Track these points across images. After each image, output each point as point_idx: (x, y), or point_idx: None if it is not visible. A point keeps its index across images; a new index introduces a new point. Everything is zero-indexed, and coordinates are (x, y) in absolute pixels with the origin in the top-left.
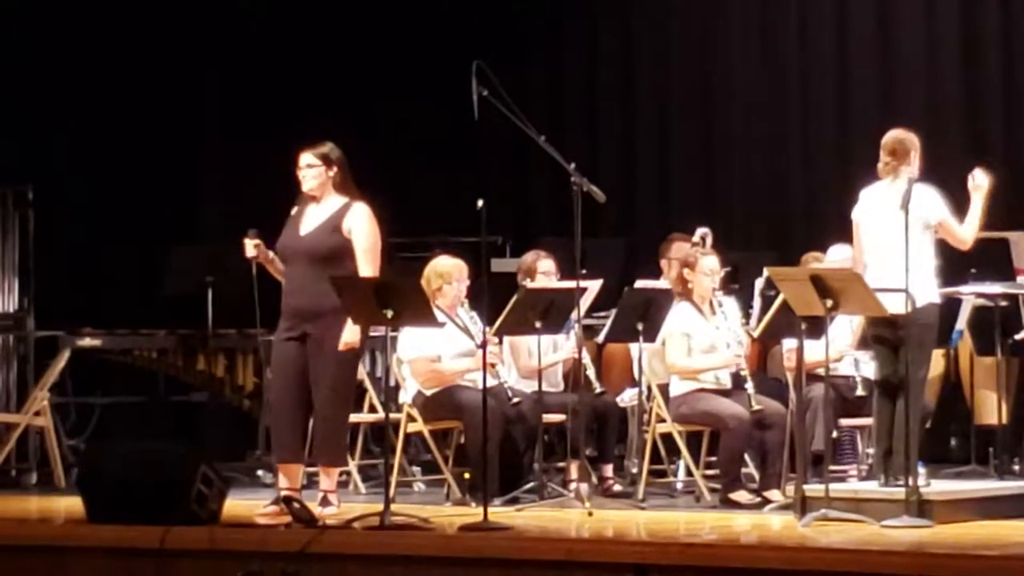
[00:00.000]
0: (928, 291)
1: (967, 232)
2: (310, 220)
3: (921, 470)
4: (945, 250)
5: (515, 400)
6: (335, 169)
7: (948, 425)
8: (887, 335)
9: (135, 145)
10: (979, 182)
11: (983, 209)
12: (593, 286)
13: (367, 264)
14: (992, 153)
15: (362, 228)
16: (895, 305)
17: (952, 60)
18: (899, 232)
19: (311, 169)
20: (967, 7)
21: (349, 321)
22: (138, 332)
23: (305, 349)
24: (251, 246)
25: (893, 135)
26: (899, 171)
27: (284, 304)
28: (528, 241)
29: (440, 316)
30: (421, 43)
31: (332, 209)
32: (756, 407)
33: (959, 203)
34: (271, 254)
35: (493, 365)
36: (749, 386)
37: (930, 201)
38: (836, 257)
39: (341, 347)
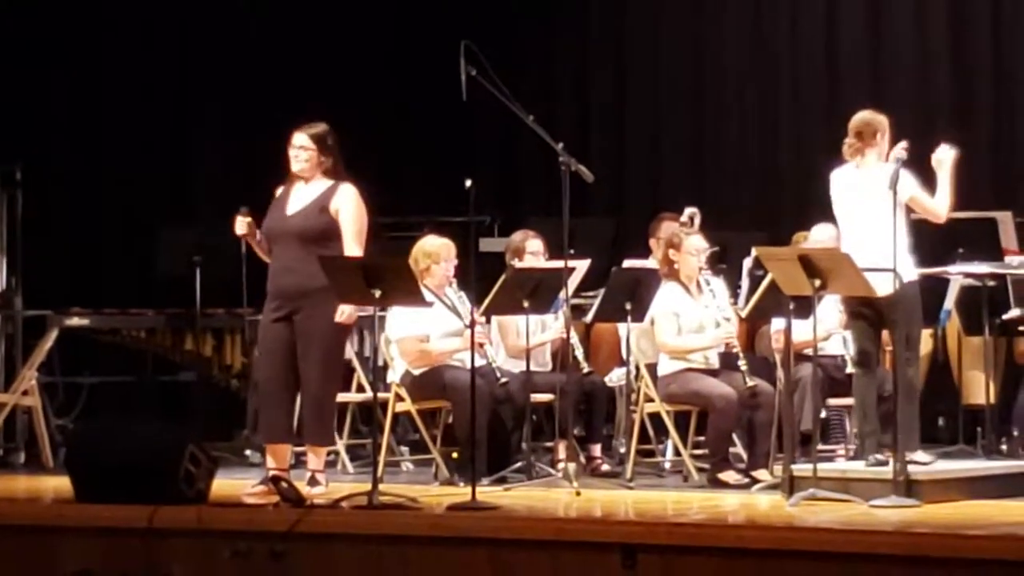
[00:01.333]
0: (905, 270)
1: (939, 206)
2: (297, 201)
3: (926, 457)
4: (933, 230)
5: (503, 380)
6: (327, 153)
7: (936, 405)
8: (865, 311)
9: (125, 124)
10: (940, 156)
11: (951, 183)
12: (581, 266)
13: (353, 244)
14: (980, 136)
15: (349, 209)
16: (877, 285)
17: (941, 44)
18: (872, 214)
19: (304, 151)
20: None
21: None
22: (127, 312)
23: (292, 329)
24: (243, 223)
25: (860, 116)
26: (865, 152)
27: (271, 284)
28: (516, 221)
29: (428, 296)
30: (411, 23)
31: (319, 190)
32: (751, 383)
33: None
34: (259, 234)
35: (482, 345)
36: (743, 363)
37: (900, 180)
38: (819, 236)
39: (340, 319)
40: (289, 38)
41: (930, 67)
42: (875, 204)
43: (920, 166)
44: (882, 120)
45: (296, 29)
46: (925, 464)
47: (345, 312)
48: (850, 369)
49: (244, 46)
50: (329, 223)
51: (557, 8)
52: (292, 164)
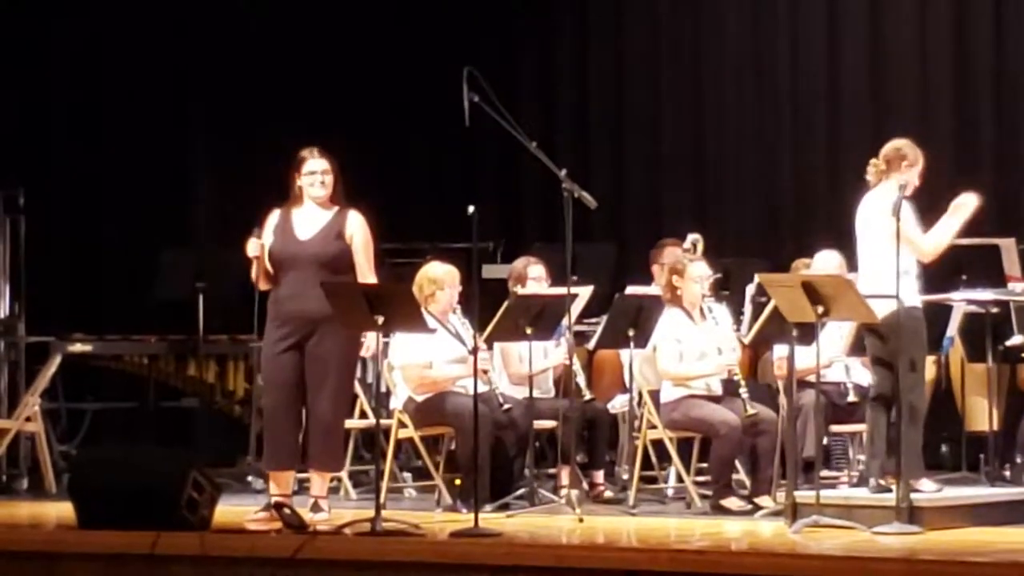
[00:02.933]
0: (908, 296)
1: (931, 241)
2: (306, 226)
3: (932, 486)
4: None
5: (506, 406)
6: (337, 173)
7: (939, 432)
8: (883, 354)
9: (126, 150)
10: (963, 201)
11: (958, 228)
12: (584, 292)
13: (370, 271)
14: (982, 162)
15: (362, 235)
16: (879, 310)
17: (943, 70)
18: (872, 239)
19: (327, 175)
20: (959, 19)
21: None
22: (129, 338)
23: (299, 358)
24: (256, 245)
25: (892, 143)
26: (887, 177)
27: (279, 310)
28: (519, 247)
29: (432, 322)
30: (413, 48)
31: (329, 215)
32: (751, 411)
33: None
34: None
35: (485, 371)
36: (743, 391)
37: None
38: (823, 264)
39: (367, 354)
40: (291, 64)
41: (932, 94)
42: (881, 229)
43: (920, 195)
44: (912, 151)
45: (298, 55)
46: (931, 493)
47: (371, 348)
48: (852, 398)
49: (246, 71)
50: (344, 249)
51: (558, 35)
52: (312, 190)
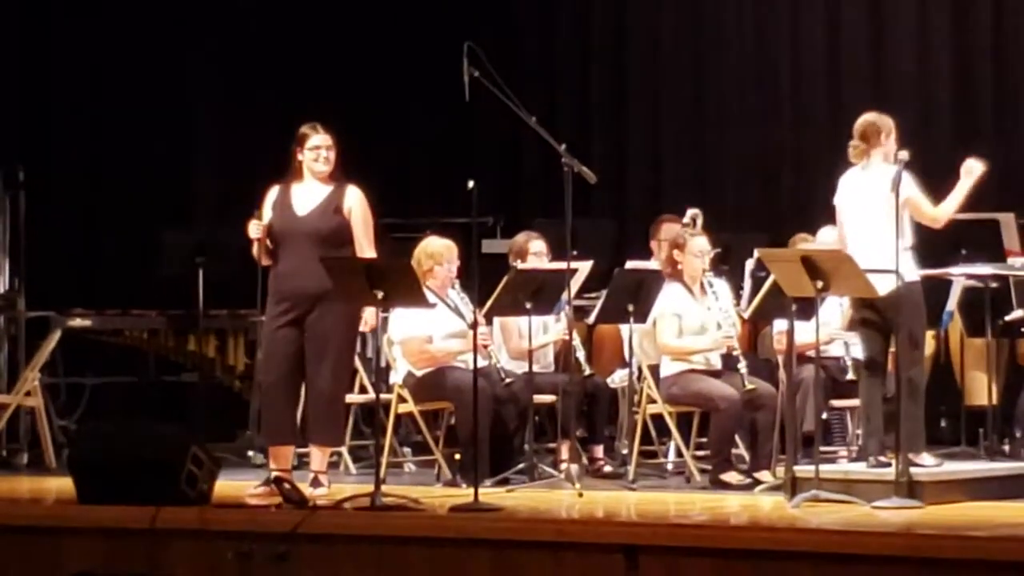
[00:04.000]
0: (907, 271)
1: (941, 210)
2: (304, 202)
3: (932, 460)
4: (935, 231)
5: (508, 380)
6: (338, 152)
7: (938, 406)
8: (872, 317)
9: (127, 125)
10: (971, 165)
11: (966, 194)
12: (584, 267)
13: (368, 245)
14: (982, 136)
15: (361, 209)
16: (879, 286)
17: (943, 46)
18: (873, 214)
19: (331, 151)
20: None
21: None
22: (129, 312)
23: (299, 333)
24: (257, 227)
25: (864, 118)
26: (870, 154)
27: (280, 286)
28: (519, 222)
29: (431, 297)
30: (413, 23)
31: (327, 190)
32: (749, 386)
33: (948, 190)
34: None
35: (485, 346)
36: (742, 366)
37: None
38: (826, 239)
39: (364, 328)
40: (291, 40)
41: (932, 68)
42: (878, 205)
43: (921, 168)
44: (887, 121)
45: (297, 31)
46: (931, 467)
47: (369, 322)
48: (851, 375)
49: (245, 47)
50: (342, 224)
51: (559, 10)
52: (316, 165)
